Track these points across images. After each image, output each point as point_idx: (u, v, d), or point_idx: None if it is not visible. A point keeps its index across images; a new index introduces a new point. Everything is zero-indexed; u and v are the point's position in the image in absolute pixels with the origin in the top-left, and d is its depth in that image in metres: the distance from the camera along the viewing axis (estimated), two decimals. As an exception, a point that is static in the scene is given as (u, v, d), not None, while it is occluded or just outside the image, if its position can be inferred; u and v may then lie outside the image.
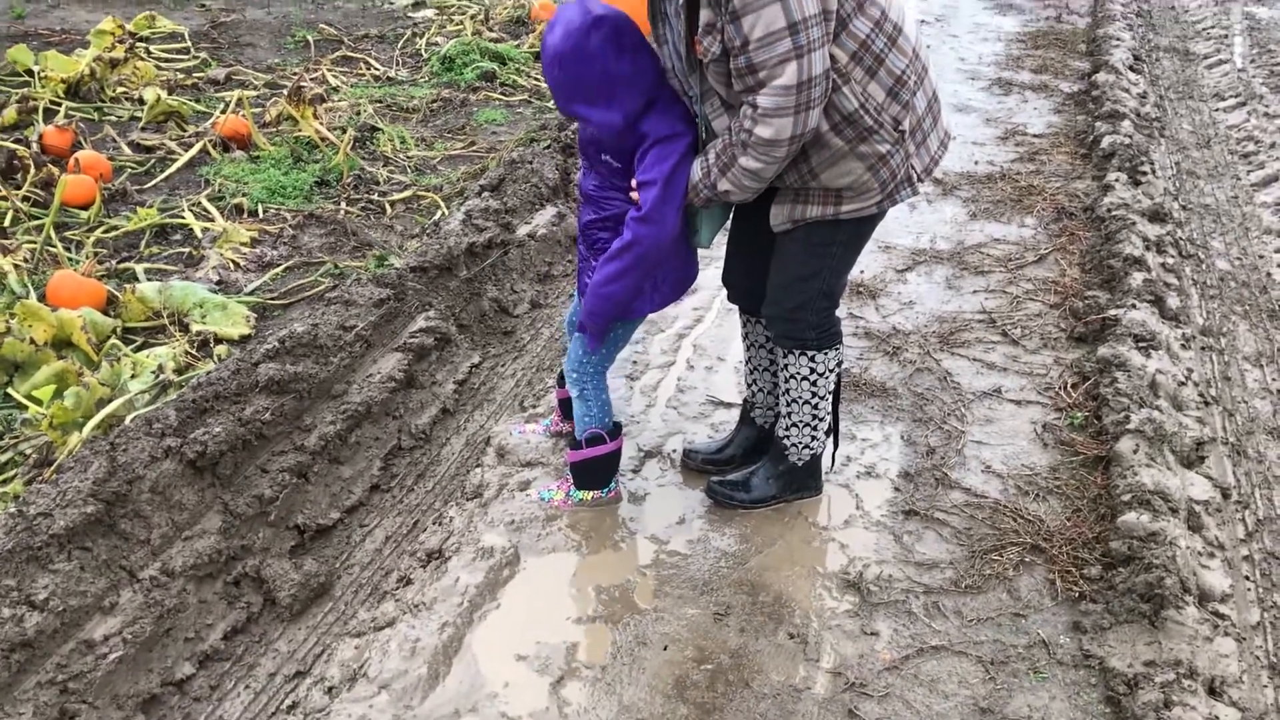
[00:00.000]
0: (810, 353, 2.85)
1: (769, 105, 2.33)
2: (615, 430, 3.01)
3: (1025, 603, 2.73)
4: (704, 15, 2.37)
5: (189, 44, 6.58)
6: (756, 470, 3.08)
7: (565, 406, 3.29)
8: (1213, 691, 2.46)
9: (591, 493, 3.05)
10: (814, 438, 2.99)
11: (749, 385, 3.20)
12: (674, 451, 3.29)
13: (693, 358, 3.75)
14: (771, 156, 2.41)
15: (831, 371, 2.90)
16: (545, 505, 3.06)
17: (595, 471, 3.02)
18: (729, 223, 2.89)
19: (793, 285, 2.76)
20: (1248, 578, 2.83)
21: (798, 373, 2.88)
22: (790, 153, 2.41)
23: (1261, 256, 4.43)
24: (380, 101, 5.79)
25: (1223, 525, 3.00)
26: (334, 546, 3.01)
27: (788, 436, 2.99)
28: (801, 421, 2.95)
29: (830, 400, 2.95)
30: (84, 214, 4.41)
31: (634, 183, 2.65)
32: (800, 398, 2.91)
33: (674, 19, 2.51)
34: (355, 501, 3.16)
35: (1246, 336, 3.90)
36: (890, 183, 2.54)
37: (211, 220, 4.43)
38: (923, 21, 7.51)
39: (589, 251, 2.85)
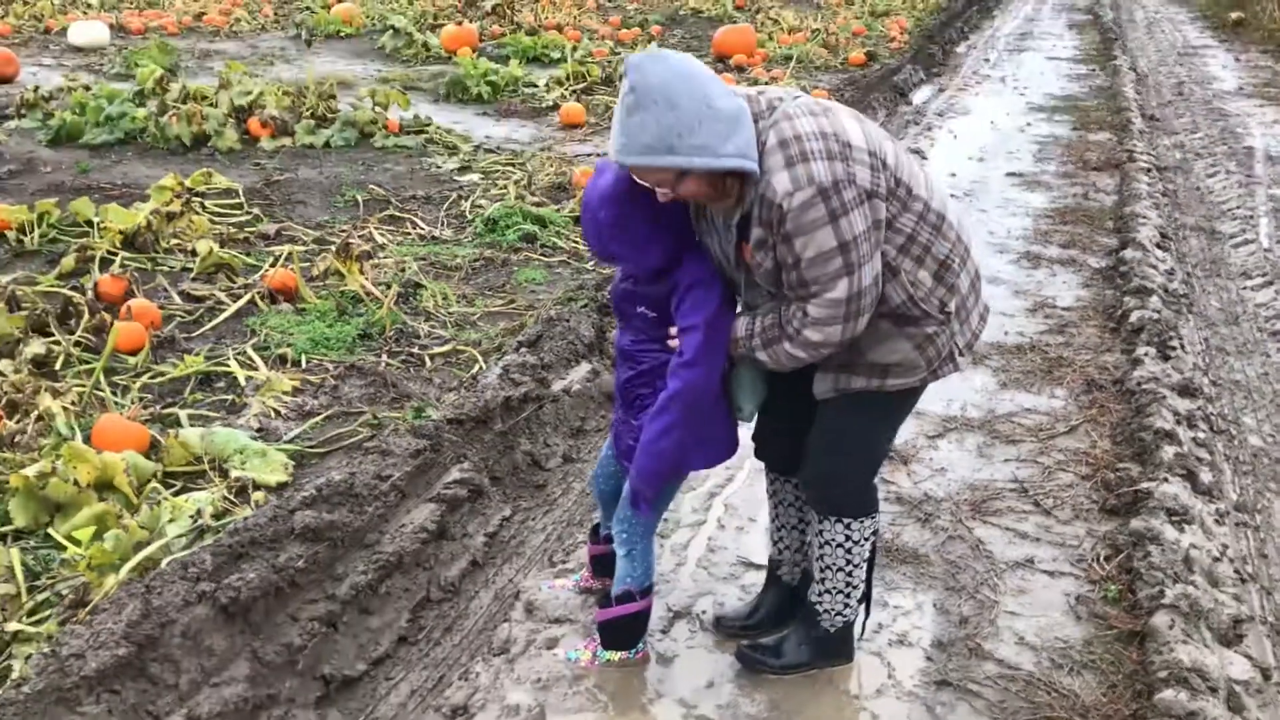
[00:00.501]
0: (847, 520, 2.85)
1: (819, 315, 2.44)
2: (647, 590, 3.00)
3: (1062, 782, 2.66)
4: (756, 233, 2.48)
5: (242, 200, 6.85)
6: (788, 636, 3.05)
7: (596, 563, 3.30)
8: None
9: (620, 654, 3.02)
10: (847, 605, 2.97)
11: (775, 544, 3.20)
12: (704, 612, 3.27)
13: (724, 517, 3.76)
14: (818, 353, 2.52)
15: (867, 540, 2.90)
16: (572, 665, 3.04)
17: (624, 631, 3.01)
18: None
19: (834, 452, 2.79)
20: (1292, 764, 2.76)
21: (833, 539, 2.88)
22: (837, 350, 2.48)
23: (1294, 434, 4.43)
24: (424, 259, 5.98)
25: (1264, 707, 2.93)
26: (359, 700, 2.99)
27: (820, 603, 2.98)
28: (835, 589, 2.94)
29: (865, 568, 2.95)
30: (132, 360, 4.54)
31: (673, 330, 2.71)
32: (835, 564, 2.91)
33: (722, 229, 2.62)
34: (382, 654, 3.15)
35: (1282, 513, 3.88)
36: (936, 360, 2.63)
37: (255, 369, 4.54)
38: (952, 195, 7.72)
39: (627, 411, 2.90)
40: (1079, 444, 4.32)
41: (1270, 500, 3.96)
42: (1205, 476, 3.96)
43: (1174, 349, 4.95)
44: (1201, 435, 4.30)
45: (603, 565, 3.27)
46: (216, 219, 6.42)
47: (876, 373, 2.64)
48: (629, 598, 2.97)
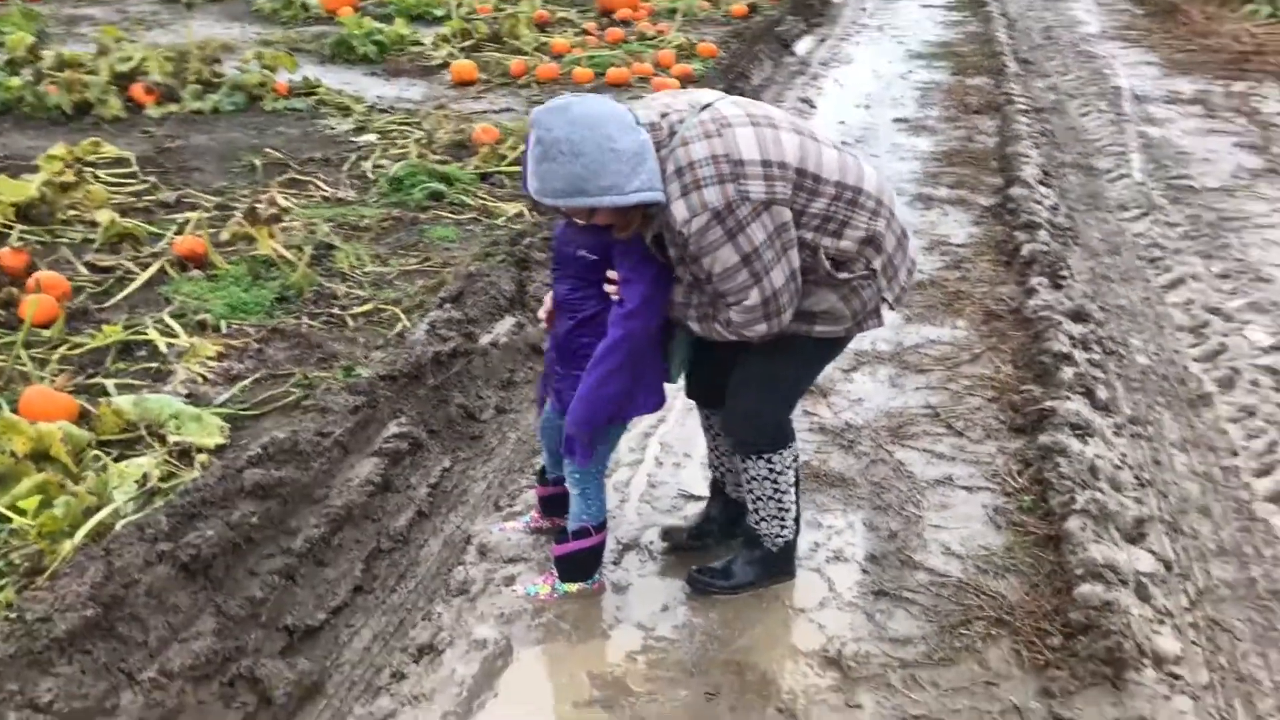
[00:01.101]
0: (766, 455, 3.02)
1: (741, 320, 2.68)
2: (601, 525, 3.13)
3: (995, 672, 2.90)
4: (671, 251, 2.71)
5: (136, 169, 6.69)
6: (734, 558, 3.22)
7: (545, 504, 3.42)
8: (1176, 745, 2.63)
9: (577, 585, 3.15)
10: (784, 526, 3.15)
11: (714, 468, 3.39)
12: (652, 543, 3.42)
13: (660, 455, 3.91)
14: (749, 339, 2.73)
15: (789, 468, 3.08)
16: (532, 600, 3.16)
17: (580, 564, 3.14)
18: None
19: (755, 390, 2.96)
20: (1194, 643, 3.04)
21: (758, 475, 3.06)
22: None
23: (1177, 352, 4.77)
24: (332, 221, 5.95)
25: (1168, 595, 3.21)
26: (323, 647, 3.07)
27: (758, 525, 3.15)
28: (770, 515, 3.12)
29: (793, 492, 3.13)
30: (46, 332, 4.46)
31: (612, 275, 2.81)
32: (764, 495, 3.08)
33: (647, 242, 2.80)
34: (340, 603, 3.22)
35: (1171, 424, 4.19)
36: (861, 312, 2.83)
37: (176, 336, 4.51)
38: (844, 142, 7.95)
39: (566, 365, 2.99)
40: (984, 370, 4.57)
41: (1160, 413, 4.27)
42: (1102, 393, 4.25)
43: (1064, 278, 5.25)
44: (1095, 356, 4.60)
45: (552, 505, 3.40)
46: (112, 188, 6.27)
47: (804, 319, 2.80)
48: (585, 533, 3.10)
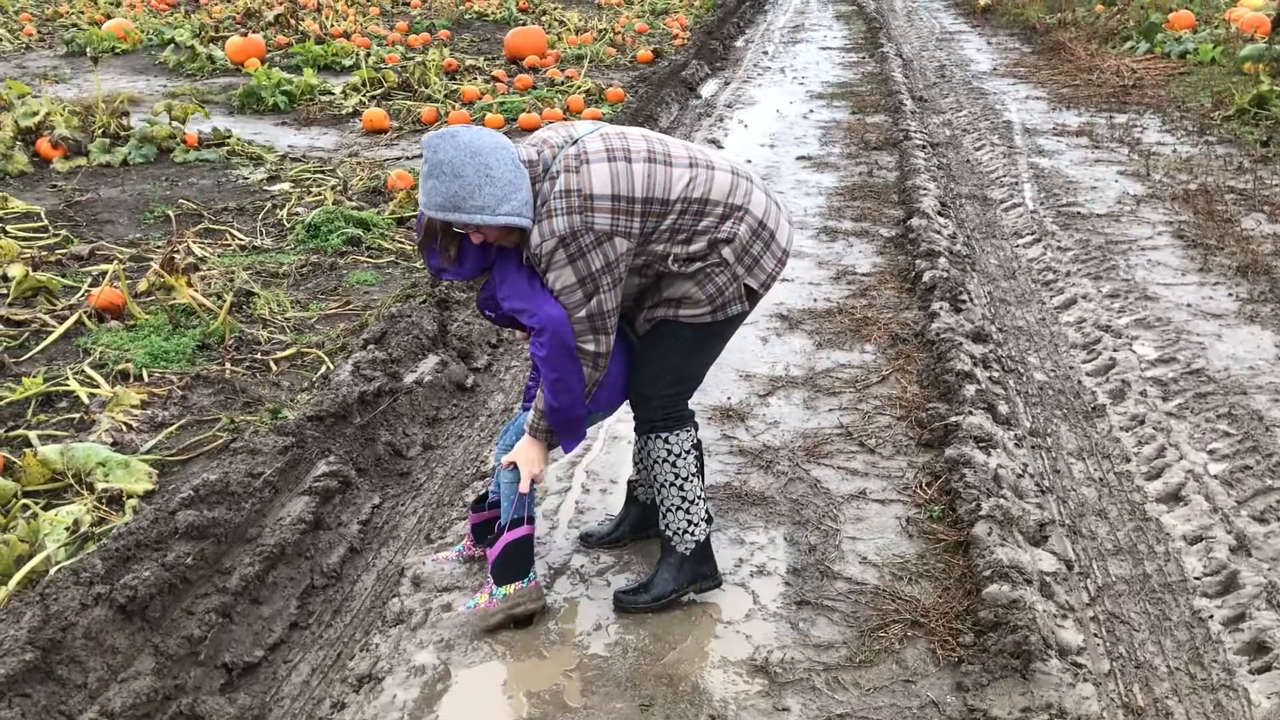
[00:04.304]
0: (662, 434, 3.26)
1: (577, 330, 3.00)
2: (531, 518, 3.26)
3: (913, 671, 3.06)
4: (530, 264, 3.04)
5: (46, 223, 6.66)
6: (654, 574, 3.35)
7: (477, 531, 3.51)
8: (1081, 728, 2.81)
9: (514, 585, 3.23)
10: (690, 522, 3.31)
11: (636, 466, 3.62)
12: (582, 567, 3.53)
13: (587, 482, 4.03)
14: (594, 363, 3.06)
15: (687, 452, 3.29)
16: (472, 612, 3.22)
17: (514, 561, 3.22)
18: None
19: (643, 369, 3.26)
20: (1095, 635, 3.24)
21: (658, 455, 3.28)
22: (599, 353, 3.05)
23: (1071, 368, 5.03)
24: (250, 269, 5.99)
25: (1070, 592, 3.42)
26: (262, 683, 3.11)
27: (668, 527, 3.32)
28: (673, 505, 3.29)
29: (696, 481, 3.31)
30: (-37, 387, 4.43)
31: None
32: (666, 480, 3.28)
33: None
34: (278, 639, 3.27)
35: (1068, 435, 4.43)
36: (719, 297, 3.11)
37: (98, 387, 4.52)
38: (750, 179, 8.20)
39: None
40: (891, 390, 4.78)
41: (1058, 424, 4.51)
42: (1003, 408, 4.48)
43: (964, 302, 5.51)
44: (995, 374, 4.84)
45: (484, 532, 3.49)
46: (23, 243, 6.24)
47: (669, 305, 3.15)
48: (517, 524, 3.20)
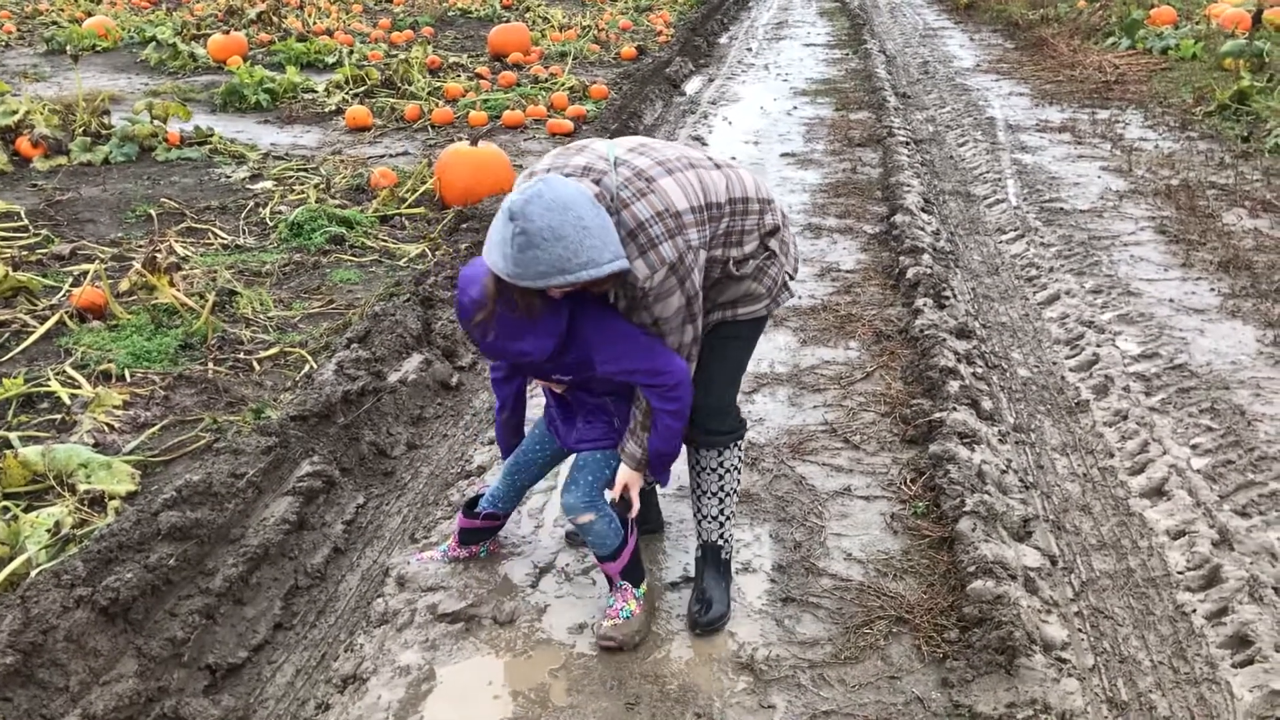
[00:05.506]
0: (738, 444, 3.26)
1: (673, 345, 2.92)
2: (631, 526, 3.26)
3: (898, 667, 3.06)
4: (622, 304, 2.88)
5: (26, 222, 6.61)
6: (705, 591, 3.30)
7: (464, 535, 3.49)
8: (1065, 723, 2.83)
9: (643, 582, 3.26)
10: (722, 526, 3.34)
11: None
12: (567, 565, 3.52)
13: (571, 481, 4.02)
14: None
15: (740, 464, 3.32)
16: (632, 618, 3.16)
17: (638, 562, 3.25)
18: None
19: (713, 381, 3.15)
20: (1080, 630, 3.25)
21: (709, 465, 3.25)
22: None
23: (1055, 364, 5.05)
24: (232, 268, 5.96)
25: (1054, 587, 3.43)
26: (246, 684, 3.10)
27: (709, 536, 3.33)
28: (730, 513, 3.32)
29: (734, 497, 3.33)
30: (-57, 388, 4.40)
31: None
32: (731, 489, 3.29)
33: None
34: (262, 640, 3.26)
35: (1051, 431, 4.44)
36: (774, 288, 3.07)
37: (79, 387, 4.49)
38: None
39: (572, 413, 3.17)
40: (876, 387, 4.79)
41: (1041, 420, 4.53)
42: (986, 404, 4.49)
43: (948, 298, 5.52)
44: (979, 370, 4.85)
45: (471, 537, 3.49)
46: (3, 242, 6.19)
47: (727, 308, 3.07)
48: (625, 542, 3.21)
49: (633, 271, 2.73)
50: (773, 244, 3.03)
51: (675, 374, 2.89)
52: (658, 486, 3.66)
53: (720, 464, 3.25)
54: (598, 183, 2.76)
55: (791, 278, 3.16)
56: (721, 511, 3.30)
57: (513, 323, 2.73)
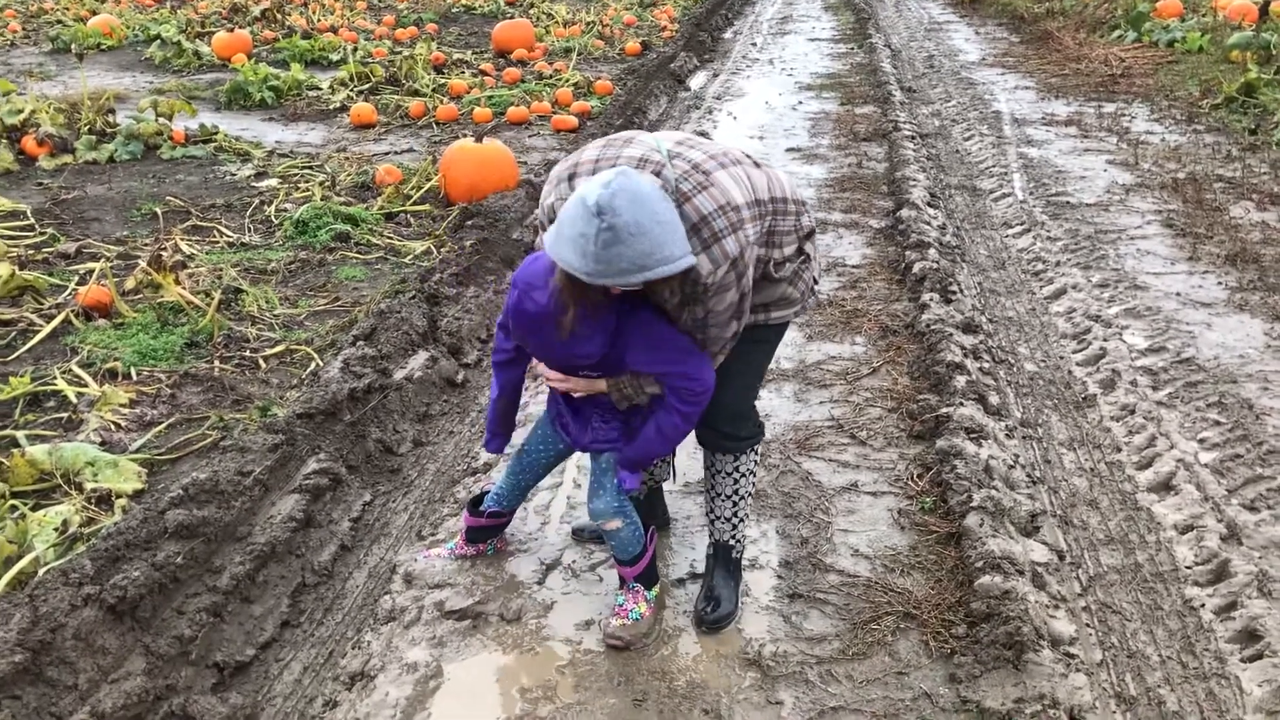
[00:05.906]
0: (756, 449, 3.26)
1: (712, 352, 2.88)
2: (650, 533, 3.28)
3: (906, 662, 3.06)
4: (674, 300, 2.74)
5: (32, 221, 6.62)
6: (714, 589, 3.30)
7: (471, 533, 3.49)
8: (1073, 718, 2.82)
9: (656, 586, 3.26)
10: (735, 528, 3.35)
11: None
12: (574, 562, 3.52)
13: (578, 477, 4.02)
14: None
15: (756, 467, 3.32)
16: (642, 620, 3.16)
17: (653, 567, 3.26)
18: None
19: (736, 385, 3.12)
20: (1088, 624, 3.24)
21: (725, 469, 3.25)
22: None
23: (1062, 358, 5.04)
24: (238, 265, 5.96)
25: (1062, 582, 3.42)
26: (254, 682, 3.10)
27: (734, 534, 3.34)
28: (745, 514, 3.34)
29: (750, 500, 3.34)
30: (-50, 387, 4.41)
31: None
32: (747, 491, 3.30)
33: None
34: (269, 638, 3.26)
35: (1058, 425, 4.43)
36: (807, 292, 3.07)
37: (86, 386, 4.49)
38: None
39: (586, 415, 3.13)
40: (882, 382, 4.78)
41: (1048, 415, 4.52)
42: (993, 399, 4.48)
43: (954, 293, 5.51)
44: (986, 365, 4.84)
45: (478, 535, 3.48)
46: (9, 241, 6.20)
47: (761, 310, 3.01)
48: (645, 548, 3.22)
49: (696, 267, 2.64)
50: (808, 248, 3.01)
51: (704, 382, 2.87)
52: (664, 483, 3.66)
53: (736, 468, 3.24)
54: (657, 174, 2.68)
55: (817, 282, 3.13)
56: (735, 514, 3.30)
57: (584, 324, 2.66)
